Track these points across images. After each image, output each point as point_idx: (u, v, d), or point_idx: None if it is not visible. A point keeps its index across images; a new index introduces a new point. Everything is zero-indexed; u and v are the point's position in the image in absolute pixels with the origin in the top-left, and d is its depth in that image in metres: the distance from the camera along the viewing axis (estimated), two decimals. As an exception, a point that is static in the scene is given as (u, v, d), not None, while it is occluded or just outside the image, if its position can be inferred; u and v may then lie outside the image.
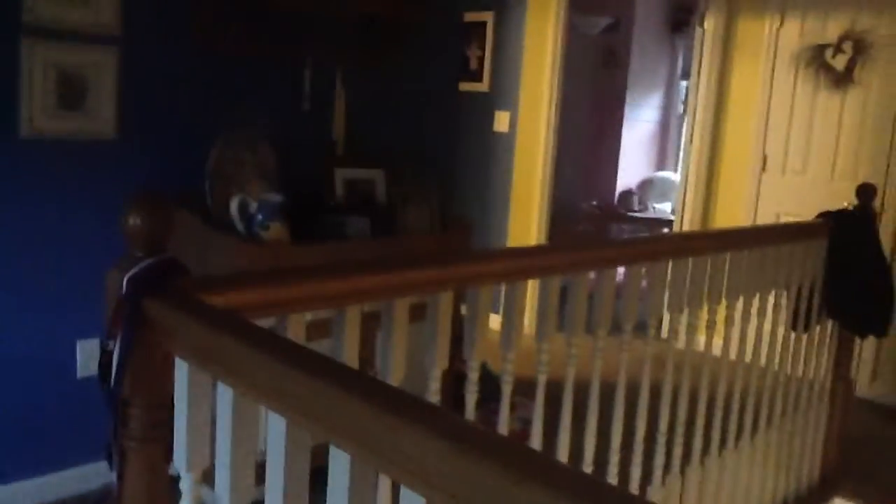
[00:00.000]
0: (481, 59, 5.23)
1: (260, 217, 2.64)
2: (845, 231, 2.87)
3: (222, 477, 1.09)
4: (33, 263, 2.72)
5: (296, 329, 1.32)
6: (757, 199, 4.81)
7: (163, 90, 2.95)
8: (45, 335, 2.78)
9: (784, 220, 4.46)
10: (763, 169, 4.78)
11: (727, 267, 2.43)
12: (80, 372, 2.85)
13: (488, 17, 5.15)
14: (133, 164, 2.88)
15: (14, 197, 2.66)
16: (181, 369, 1.14)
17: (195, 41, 2.96)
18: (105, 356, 1.22)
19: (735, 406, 2.64)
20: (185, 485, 1.18)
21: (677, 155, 7.97)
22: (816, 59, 4.54)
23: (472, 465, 0.76)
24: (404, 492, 0.83)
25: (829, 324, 3.05)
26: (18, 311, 2.71)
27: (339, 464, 0.91)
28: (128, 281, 1.20)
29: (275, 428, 0.99)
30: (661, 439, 2.36)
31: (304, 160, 3.21)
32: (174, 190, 2.83)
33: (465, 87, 5.05)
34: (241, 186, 2.81)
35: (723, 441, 2.64)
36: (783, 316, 2.82)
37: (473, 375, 1.73)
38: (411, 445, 0.81)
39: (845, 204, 3.03)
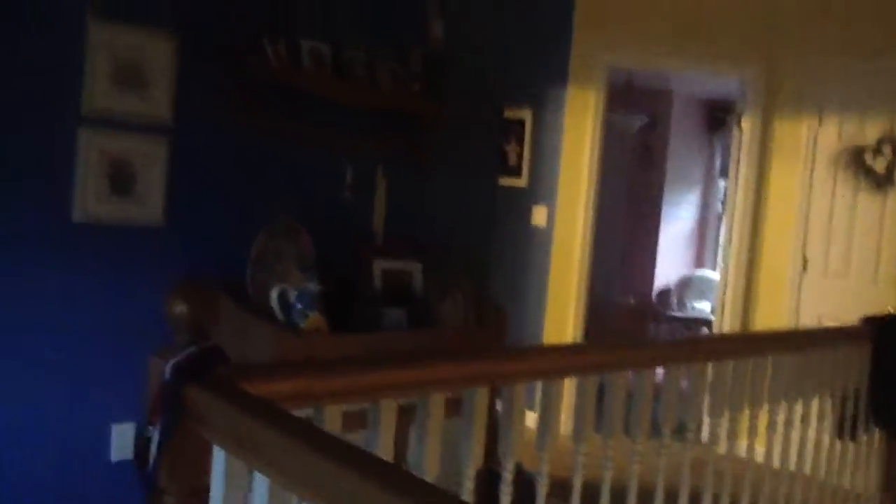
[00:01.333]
0: (520, 155, 5.32)
1: (299, 306, 2.67)
2: (890, 337, 2.81)
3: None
4: (74, 344, 2.76)
5: (332, 420, 1.32)
6: (798, 301, 4.74)
7: (209, 178, 3.04)
8: (82, 417, 2.79)
9: (826, 323, 4.38)
10: (804, 270, 4.74)
11: (769, 370, 2.38)
12: (115, 456, 2.85)
13: (527, 114, 5.26)
14: (178, 251, 2.94)
15: (62, 277, 2.72)
16: (218, 457, 1.14)
17: (242, 130, 3.06)
18: (144, 442, 1.23)
19: (778, 515, 2.54)
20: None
21: (716, 253, 7.94)
22: (856, 160, 4.54)
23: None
24: None
25: (877, 433, 2.95)
26: (57, 392, 2.74)
27: (374, 563, 0.89)
28: (171, 367, 1.21)
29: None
30: (701, 548, 2.28)
31: (343, 250, 3.26)
32: (216, 276, 2.89)
33: (503, 181, 5.13)
34: (281, 275, 2.85)
35: (766, 552, 2.54)
36: (828, 423, 2.74)
37: (508, 476, 1.70)
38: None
39: (889, 309, 2.97)
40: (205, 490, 1.19)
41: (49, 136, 2.66)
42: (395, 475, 0.94)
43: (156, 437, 1.21)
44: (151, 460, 1.22)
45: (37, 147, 2.64)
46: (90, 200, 2.73)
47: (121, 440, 2.84)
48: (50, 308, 2.70)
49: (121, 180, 2.80)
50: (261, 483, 1.06)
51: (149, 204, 2.87)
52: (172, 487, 1.20)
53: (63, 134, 2.67)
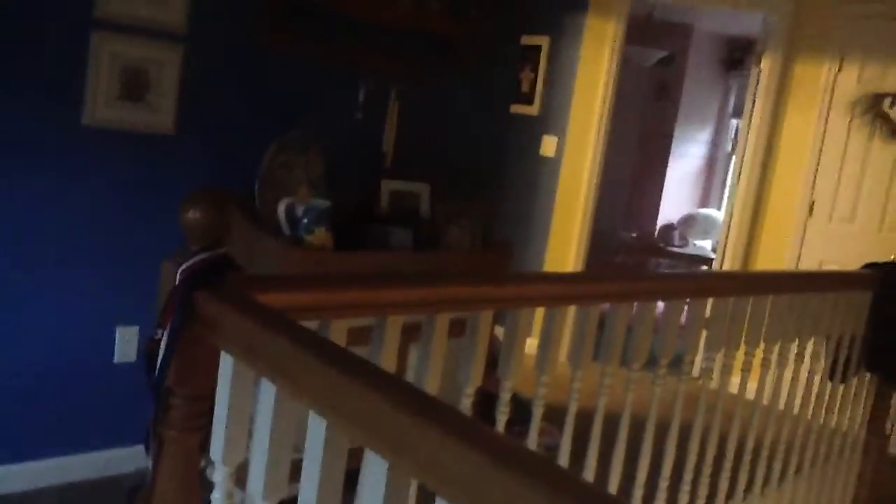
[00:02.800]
0: (533, 83, 5.25)
1: (306, 221, 2.68)
2: (892, 284, 2.83)
3: (256, 472, 1.11)
4: (84, 247, 2.79)
5: (338, 334, 1.35)
6: (801, 245, 4.76)
7: (222, 90, 3.02)
8: (87, 319, 2.84)
9: (827, 267, 4.40)
10: (810, 214, 4.73)
11: (768, 310, 2.41)
12: (118, 357, 2.91)
13: (544, 41, 5.18)
14: (188, 160, 2.94)
15: (71, 181, 2.73)
16: (226, 363, 1.16)
17: (257, 42, 3.02)
18: (152, 344, 1.26)
19: (764, 451, 2.61)
20: (218, 476, 1.21)
21: (722, 192, 7.92)
22: (873, 107, 4.49)
23: (509, 480, 0.77)
24: (439, 502, 0.85)
25: (867, 378, 3.00)
26: (63, 293, 2.78)
27: (376, 470, 0.92)
28: (181, 272, 1.23)
29: (315, 428, 1.01)
30: (687, 478, 2.34)
31: (352, 169, 3.25)
32: (226, 187, 2.89)
33: (515, 109, 5.08)
34: (289, 190, 2.86)
35: (749, 485, 2.61)
36: (821, 365, 2.78)
37: (506, 396, 1.74)
38: (449, 455, 0.82)
39: (893, 257, 2.98)
40: (211, 394, 1.22)
41: (61, 38, 2.63)
42: (398, 387, 0.96)
43: (164, 340, 1.24)
44: (159, 363, 1.25)
45: (49, 49, 2.61)
46: (100, 104, 2.71)
47: (124, 343, 2.89)
48: (58, 209, 2.72)
49: (133, 86, 2.77)
50: (267, 390, 1.09)
51: (161, 111, 2.85)
52: (179, 389, 1.23)
53: (75, 36, 2.64)
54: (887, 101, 4.43)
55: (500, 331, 1.78)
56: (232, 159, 3.02)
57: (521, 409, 2.26)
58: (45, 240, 2.71)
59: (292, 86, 3.19)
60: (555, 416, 2.12)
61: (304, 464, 1.03)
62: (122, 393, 2.82)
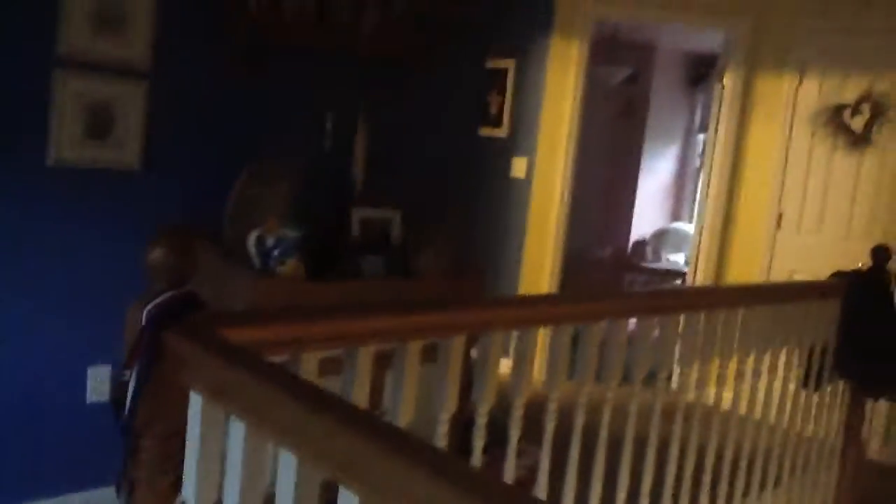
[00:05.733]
0: (501, 105, 5.29)
1: (276, 253, 2.67)
2: (859, 291, 2.87)
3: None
4: (51, 288, 2.76)
5: (309, 367, 1.34)
6: (771, 256, 4.81)
7: (188, 124, 3.01)
8: (57, 359, 2.80)
9: (798, 277, 4.45)
10: (778, 226, 4.79)
11: (739, 322, 2.43)
12: (90, 397, 2.87)
13: (510, 64, 5.23)
14: (156, 196, 2.92)
15: (37, 222, 2.70)
16: (195, 403, 1.15)
17: (222, 76, 3.02)
18: (120, 387, 1.25)
19: (743, 462, 2.62)
20: (190, 517, 1.19)
21: (692, 207, 8.00)
22: (834, 119, 4.57)
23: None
24: (411, 535, 0.84)
25: (841, 385, 3.03)
26: (33, 334, 2.74)
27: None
28: (147, 313, 1.22)
29: (285, 465, 1.00)
30: (667, 493, 2.35)
31: (322, 198, 3.25)
32: (195, 222, 2.88)
33: (484, 132, 5.11)
34: (259, 222, 2.85)
35: (729, 498, 2.62)
36: (794, 374, 2.81)
37: (482, 420, 1.74)
38: (420, 488, 0.82)
39: (860, 264, 3.03)
40: (181, 433, 1.21)
41: (23, 77, 2.62)
42: (366, 421, 0.96)
43: (132, 382, 1.23)
44: (128, 404, 1.23)
45: (10, 88, 2.60)
46: (65, 144, 2.70)
47: (96, 382, 2.86)
48: (24, 250, 2.69)
49: (97, 124, 2.76)
50: (236, 427, 1.08)
51: (126, 148, 2.84)
52: (149, 430, 1.22)
53: (38, 75, 2.63)
54: (847, 112, 4.51)
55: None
56: (201, 193, 3.01)
57: (501, 431, 2.26)
58: (13, 280, 2.68)
59: (258, 118, 3.19)
60: (535, 435, 2.12)
61: (277, 501, 1.02)
62: (96, 433, 2.78)
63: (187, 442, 1.18)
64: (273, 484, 1.05)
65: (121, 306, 1.39)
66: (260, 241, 2.70)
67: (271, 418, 1.01)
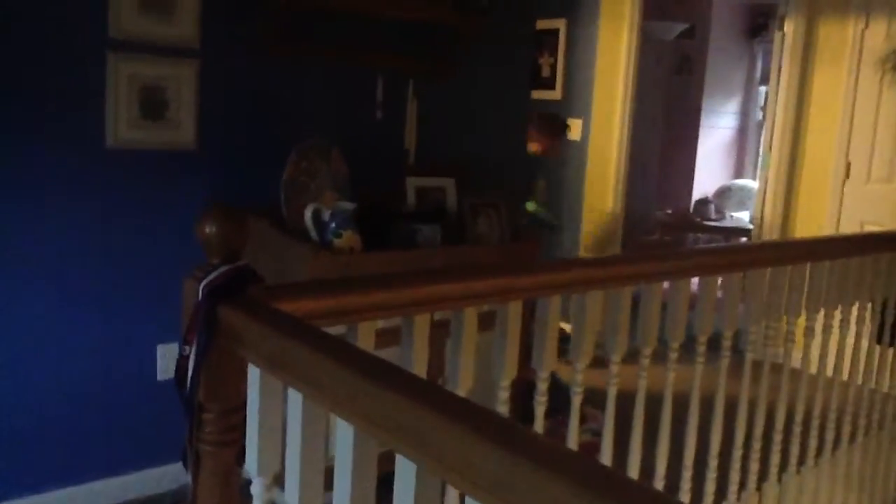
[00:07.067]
0: (553, 67, 5.20)
1: (333, 225, 2.68)
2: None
3: (292, 482, 1.11)
4: (116, 269, 2.82)
5: (365, 337, 1.34)
6: (840, 208, 4.65)
7: (240, 101, 3.03)
8: (127, 339, 2.87)
9: (868, 229, 4.30)
10: (846, 176, 4.62)
11: (808, 277, 2.35)
12: (160, 375, 2.94)
13: (561, 24, 5.12)
14: (212, 174, 2.96)
15: (98, 205, 2.76)
16: (253, 375, 1.16)
17: (270, 52, 3.03)
18: (182, 361, 1.26)
19: (815, 421, 2.55)
20: (256, 489, 1.20)
21: (756, 162, 7.78)
22: (904, 62, 4.37)
23: (540, 481, 0.75)
24: (469, 503, 0.83)
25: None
26: (101, 315, 2.81)
27: (406, 473, 0.91)
28: (203, 288, 1.23)
29: (343, 435, 1.00)
30: (737, 454, 2.30)
31: (376, 169, 3.25)
32: (251, 199, 2.91)
33: (537, 95, 5.04)
34: (314, 196, 2.86)
35: (801, 458, 2.56)
36: (867, 329, 2.71)
37: (542, 386, 1.72)
38: (479, 457, 0.81)
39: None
40: (242, 406, 1.22)
41: (78, 62, 2.66)
42: (425, 389, 0.95)
43: (192, 357, 1.24)
44: (189, 379, 1.25)
45: (66, 74, 2.64)
46: (122, 125, 2.74)
47: (165, 360, 2.92)
48: (88, 234, 2.75)
49: (152, 105, 2.80)
50: (294, 398, 1.08)
51: (181, 128, 2.87)
52: (210, 405, 1.23)
53: (91, 60, 2.67)
54: (918, 54, 4.31)
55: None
56: (255, 170, 3.03)
57: (563, 395, 2.24)
58: (81, 262, 2.75)
59: (309, 91, 3.20)
60: (598, 399, 2.09)
61: (336, 471, 1.02)
62: (166, 410, 2.85)
63: (248, 414, 1.19)
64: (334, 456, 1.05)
65: (181, 286, 1.40)
66: (316, 214, 2.71)
67: (327, 388, 1.00)
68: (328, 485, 1.10)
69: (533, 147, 4.90)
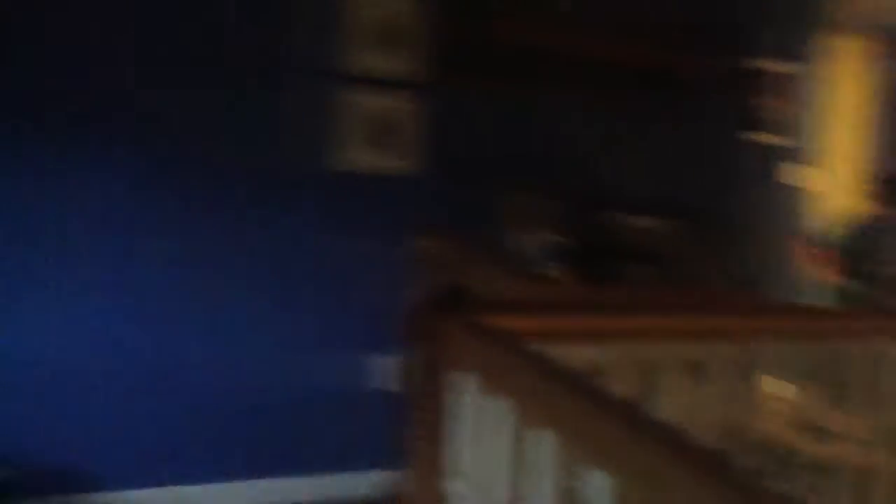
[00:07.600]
0: (774, 109, 4.94)
1: (545, 258, 2.72)
2: None
3: (496, 486, 1.14)
4: (336, 280, 3.01)
5: (571, 359, 1.34)
6: None
7: (462, 133, 3.14)
8: (343, 346, 3.03)
9: None
10: None
11: None
12: (371, 385, 3.06)
13: (787, 66, 4.87)
14: (431, 199, 3.07)
15: (326, 219, 2.97)
16: (464, 383, 1.21)
17: (490, 89, 3.14)
18: (398, 368, 1.34)
19: None
20: (456, 487, 1.24)
21: None
22: None
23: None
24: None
25: None
26: (321, 322, 3.00)
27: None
28: (421, 301, 1.31)
29: (544, 445, 1.02)
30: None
31: (590, 206, 3.25)
32: (468, 224, 3.00)
33: (753, 137, 4.80)
34: (529, 230, 2.92)
35: None
36: None
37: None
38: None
39: None
40: (450, 412, 1.27)
41: (312, 93, 2.92)
42: (627, 412, 0.95)
43: (409, 365, 1.31)
44: (405, 385, 1.32)
45: (301, 104, 2.90)
46: (349, 152, 2.96)
47: (380, 370, 3.04)
48: (316, 251, 2.97)
49: (377, 133, 3.00)
50: (502, 408, 1.11)
51: (404, 156, 3.04)
52: (425, 408, 1.29)
53: (324, 91, 2.92)
54: None
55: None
56: (473, 199, 3.12)
57: (778, 462, 2.10)
58: (303, 275, 2.96)
59: (526, 129, 3.26)
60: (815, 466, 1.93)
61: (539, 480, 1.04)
62: (377, 420, 2.95)
63: (458, 419, 1.24)
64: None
65: (398, 300, 1.49)
66: (530, 247, 2.77)
67: (531, 398, 1.03)
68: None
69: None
